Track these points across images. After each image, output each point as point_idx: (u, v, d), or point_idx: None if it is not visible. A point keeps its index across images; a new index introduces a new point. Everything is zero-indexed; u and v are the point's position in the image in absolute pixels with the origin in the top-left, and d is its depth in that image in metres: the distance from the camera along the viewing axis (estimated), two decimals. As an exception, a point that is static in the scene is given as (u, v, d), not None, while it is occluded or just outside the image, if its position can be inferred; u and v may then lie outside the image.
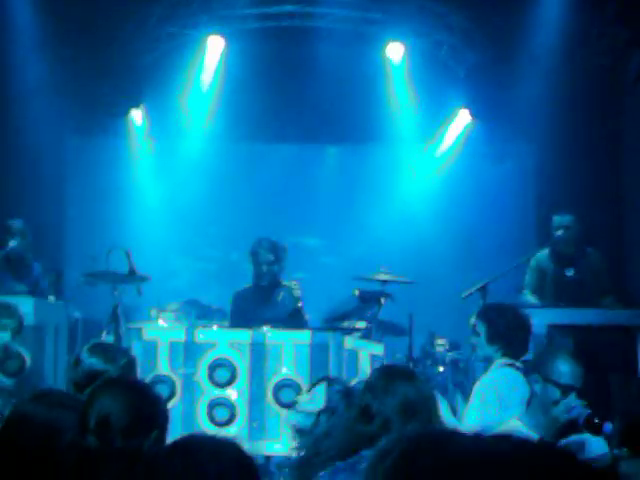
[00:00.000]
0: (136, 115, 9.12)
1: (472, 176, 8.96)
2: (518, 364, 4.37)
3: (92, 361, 3.59)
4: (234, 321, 6.47)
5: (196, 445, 1.58)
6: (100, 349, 3.74)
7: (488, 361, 4.46)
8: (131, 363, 3.77)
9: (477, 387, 4.35)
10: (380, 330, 6.71)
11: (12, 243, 6.84)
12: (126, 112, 9.06)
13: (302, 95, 8.81)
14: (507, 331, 4.37)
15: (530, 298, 6.54)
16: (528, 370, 4.02)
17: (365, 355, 5.87)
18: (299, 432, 3.55)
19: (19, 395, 5.05)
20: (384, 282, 6.62)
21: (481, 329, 4.46)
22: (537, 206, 8.72)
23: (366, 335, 6.38)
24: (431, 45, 8.80)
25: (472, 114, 9.03)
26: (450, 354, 7.35)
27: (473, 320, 4.67)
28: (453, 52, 8.82)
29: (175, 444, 1.62)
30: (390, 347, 6.56)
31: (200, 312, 6.98)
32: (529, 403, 3.79)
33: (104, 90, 8.58)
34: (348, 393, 3.60)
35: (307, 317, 6.42)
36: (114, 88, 8.66)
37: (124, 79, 8.70)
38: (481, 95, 8.79)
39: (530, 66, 8.28)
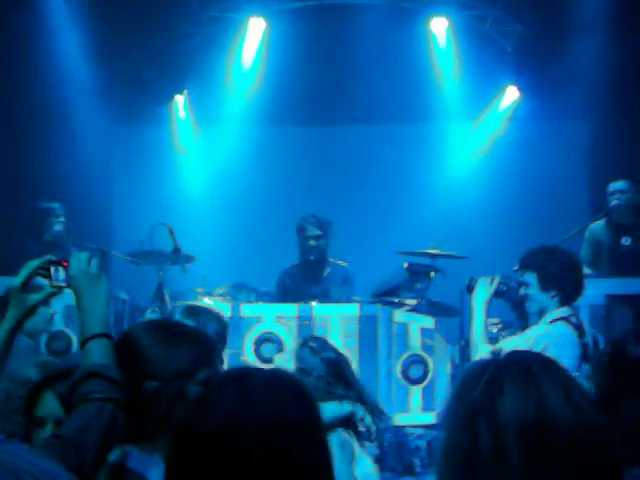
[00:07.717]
0: (179, 101, 9.08)
1: (521, 153, 8.72)
2: (573, 319, 4.01)
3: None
4: (281, 298, 6.37)
5: (250, 374, 1.48)
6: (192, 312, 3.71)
7: (541, 313, 4.04)
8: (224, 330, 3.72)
9: (520, 340, 3.90)
10: (431, 309, 6.54)
11: (58, 227, 6.82)
12: (170, 98, 9.03)
13: (345, 75, 8.66)
14: (561, 273, 3.95)
15: (586, 271, 6.32)
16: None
17: (415, 329, 5.73)
18: None
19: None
20: (434, 257, 6.47)
21: (530, 278, 4.00)
22: (590, 178, 8.45)
23: (416, 310, 6.23)
24: (476, 19, 8.58)
25: (520, 90, 8.80)
26: (504, 333, 7.17)
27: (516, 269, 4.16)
28: (499, 25, 8.58)
29: (228, 373, 1.54)
30: (442, 329, 6.37)
31: (248, 295, 6.88)
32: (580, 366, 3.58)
33: (147, 76, 8.55)
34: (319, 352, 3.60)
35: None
36: (157, 74, 8.63)
37: (167, 65, 8.66)
38: (529, 70, 8.55)
39: (580, 36, 8.01)
